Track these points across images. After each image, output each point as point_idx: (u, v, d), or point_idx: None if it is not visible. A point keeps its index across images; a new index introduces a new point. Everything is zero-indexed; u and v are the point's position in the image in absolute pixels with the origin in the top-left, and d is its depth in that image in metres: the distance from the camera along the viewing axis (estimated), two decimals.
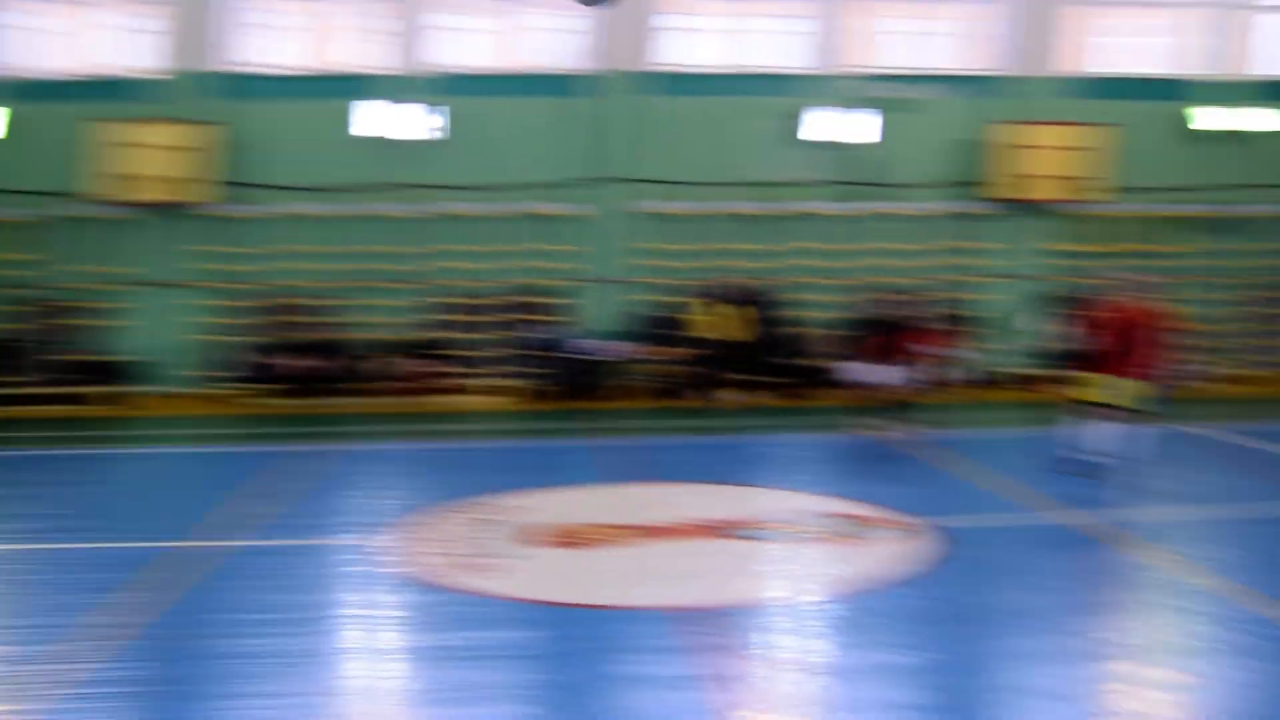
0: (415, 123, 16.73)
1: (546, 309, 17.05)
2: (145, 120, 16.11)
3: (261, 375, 15.89)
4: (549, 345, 16.29)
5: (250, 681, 5.46)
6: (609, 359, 16.38)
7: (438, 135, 16.78)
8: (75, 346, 16.45)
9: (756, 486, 10.30)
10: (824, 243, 17.22)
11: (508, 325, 16.86)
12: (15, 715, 5.17)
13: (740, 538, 8.26)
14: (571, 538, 8.13)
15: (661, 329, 16.17)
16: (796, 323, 16.67)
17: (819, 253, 17.21)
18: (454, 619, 6.41)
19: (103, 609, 6.59)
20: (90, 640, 6.05)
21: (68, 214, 16.36)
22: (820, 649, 6.06)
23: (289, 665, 5.66)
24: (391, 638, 6.36)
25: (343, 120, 16.59)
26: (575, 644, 5.98)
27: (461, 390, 16.08)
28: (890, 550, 7.79)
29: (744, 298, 15.96)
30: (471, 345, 16.72)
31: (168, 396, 16.23)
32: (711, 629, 6.16)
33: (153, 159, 16.07)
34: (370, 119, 16.67)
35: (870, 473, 10.84)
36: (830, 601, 6.84)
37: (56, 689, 5.43)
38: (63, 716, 5.13)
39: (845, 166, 17.15)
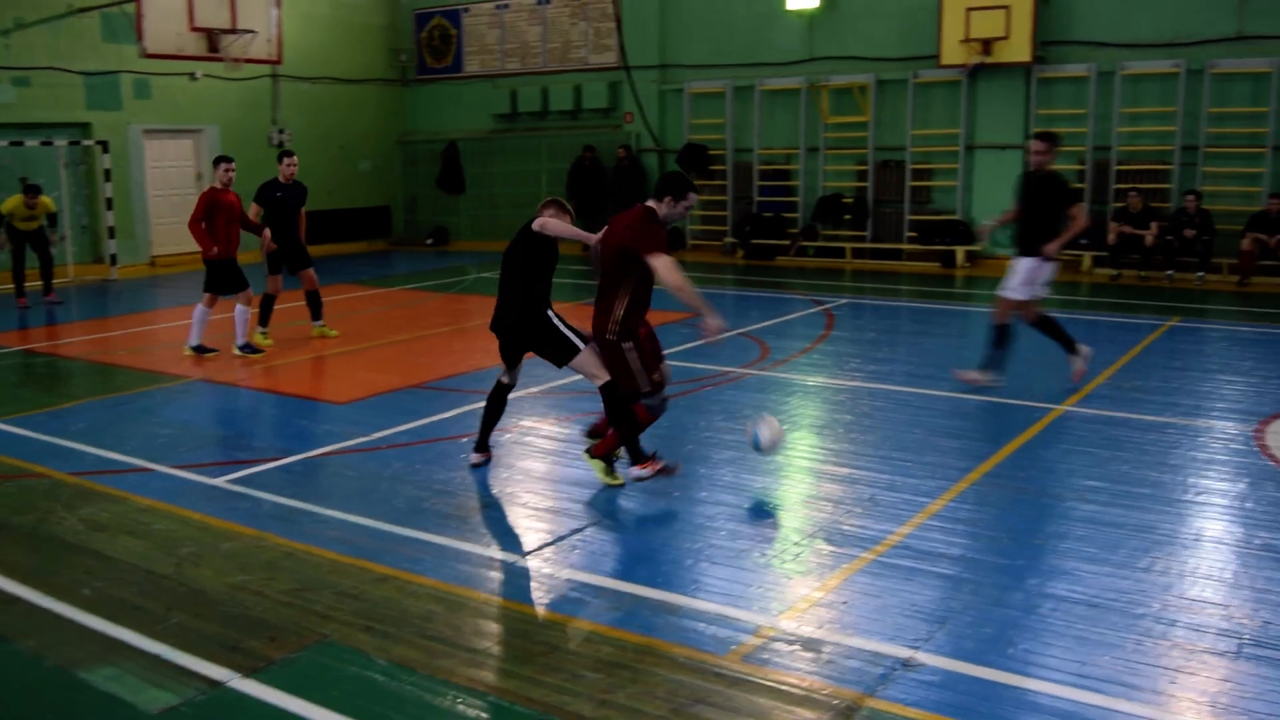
0: None
1: None
2: None
3: (1100, 243, 15.54)
4: None
5: (1081, 544, 5.51)
6: None
7: None
8: (918, 206, 17.59)
9: None
10: None
11: None
12: (871, 531, 5.75)
13: None
14: None
15: None
16: None
17: None
18: None
19: (948, 452, 7.16)
20: (936, 478, 6.58)
21: (894, 77, 17.54)
22: None
23: (1126, 536, 5.61)
24: (1249, 531, 5.81)
25: None
26: None
27: None
28: None
29: None
30: None
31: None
32: None
33: (974, 20, 16.24)
34: None
35: None
36: None
37: (908, 514, 6.00)
38: (911, 539, 5.61)
39: None
